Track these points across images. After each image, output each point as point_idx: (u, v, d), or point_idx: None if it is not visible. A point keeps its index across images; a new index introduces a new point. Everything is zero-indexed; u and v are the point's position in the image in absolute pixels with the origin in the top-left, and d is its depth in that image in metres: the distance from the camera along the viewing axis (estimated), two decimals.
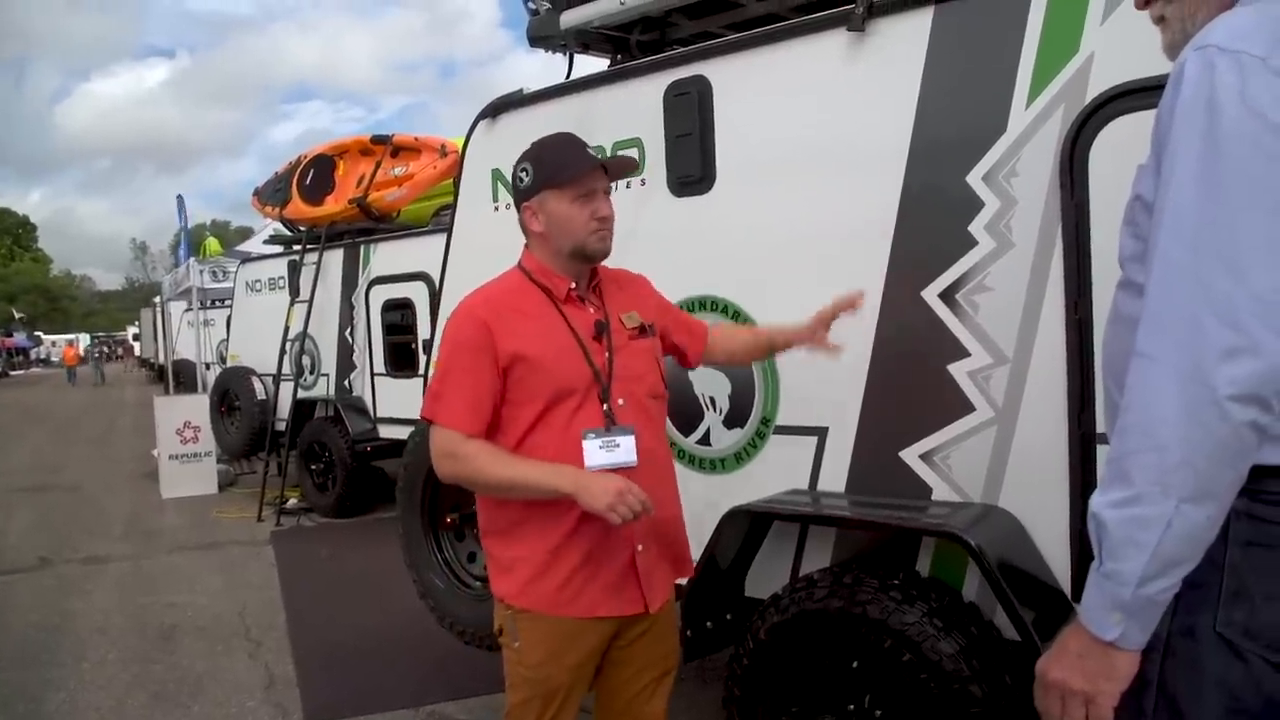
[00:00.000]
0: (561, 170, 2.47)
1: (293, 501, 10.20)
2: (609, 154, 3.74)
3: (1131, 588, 1.39)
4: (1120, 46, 2.59)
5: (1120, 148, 2.57)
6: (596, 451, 2.42)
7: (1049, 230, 2.71)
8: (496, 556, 2.58)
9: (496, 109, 4.19)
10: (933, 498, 3.00)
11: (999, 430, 2.87)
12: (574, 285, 2.54)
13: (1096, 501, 1.44)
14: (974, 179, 2.85)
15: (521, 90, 4.13)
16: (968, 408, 2.92)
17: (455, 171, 9.88)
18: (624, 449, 2.43)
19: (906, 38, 2.98)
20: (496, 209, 4.24)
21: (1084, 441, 2.68)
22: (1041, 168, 2.72)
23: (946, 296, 2.93)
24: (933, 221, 2.95)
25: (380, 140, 10.11)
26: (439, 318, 4.56)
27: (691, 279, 3.59)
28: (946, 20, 2.91)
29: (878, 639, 2.78)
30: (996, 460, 2.88)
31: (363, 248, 9.65)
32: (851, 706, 2.91)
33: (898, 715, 2.80)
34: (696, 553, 3.32)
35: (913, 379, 3.04)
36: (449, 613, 4.14)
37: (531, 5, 3.99)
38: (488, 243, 4.09)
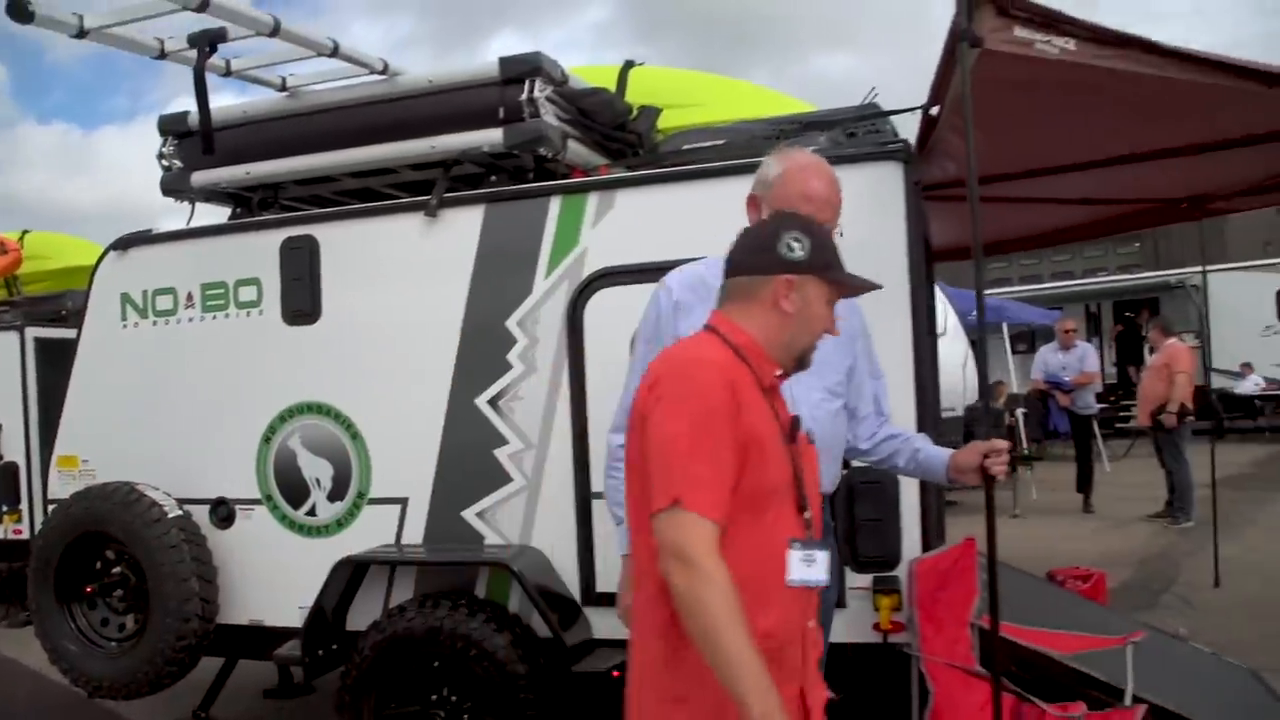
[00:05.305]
0: (839, 270, 2.25)
1: None
2: (231, 289, 4.70)
3: None
4: (604, 242, 4.10)
5: (604, 309, 4.04)
6: (798, 564, 2.11)
7: (560, 361, 4.14)
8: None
9: (127, 243, 4.96)
10: (486, 543, 4.29)
11: (529, 494, 4.23)
12: (780, 373, 2.25)
13: None
14: (511, 323, 4.23)
15: (150, 230, 4.97)
16: (508, 479, 4.25)
17: (14, 269, 9.89)
18: (819, 564, 2.13)
19: (466, 223, 4.33)
20: (125, 327, 4.94)
21: (584, 499, 4.09)
22: (554, 319, 4.16)
23: (493, 403, 4.25)
24: (483, 350, 4.28)
25: None
26: (57, 439, 5.09)
27: (300, 390, 4.63)
28: (493, 214, 4.30)
29: (452, 643, 3.99)
30: (528, 514, 4.23)
31: None
32: (434, 696, 4.10)
33: (467, 696, 4.03)
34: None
35: (470, 460, 4.32)
36: (83, 672, 4.74)
37: (164, 163, 4.86)
38: (115, 359, 4.90)
